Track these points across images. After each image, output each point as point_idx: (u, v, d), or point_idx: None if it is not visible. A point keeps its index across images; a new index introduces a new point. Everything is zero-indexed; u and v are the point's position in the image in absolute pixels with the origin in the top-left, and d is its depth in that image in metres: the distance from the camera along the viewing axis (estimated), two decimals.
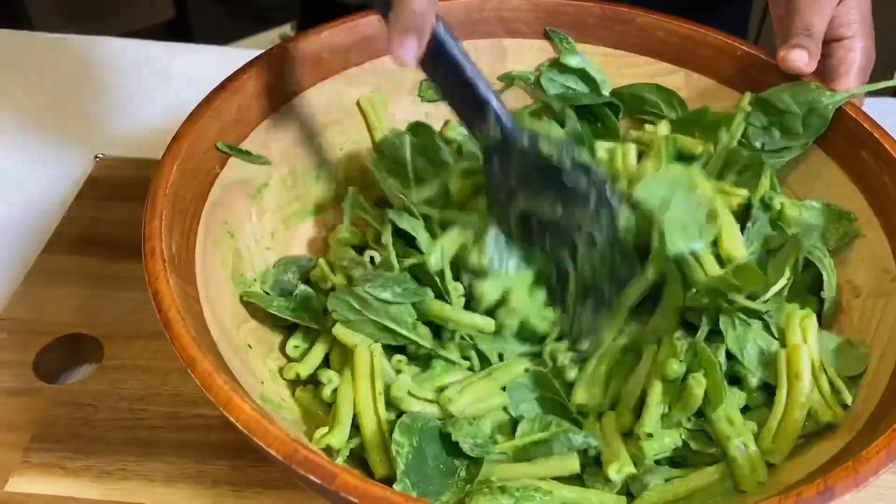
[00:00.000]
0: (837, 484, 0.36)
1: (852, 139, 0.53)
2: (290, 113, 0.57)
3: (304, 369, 0.50)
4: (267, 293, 0.53)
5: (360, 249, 0.55)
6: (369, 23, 0.59)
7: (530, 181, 0.49)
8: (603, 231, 0.48)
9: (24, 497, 0.50)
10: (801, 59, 0.55)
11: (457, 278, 0.51)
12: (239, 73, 0.54)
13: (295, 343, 0.51)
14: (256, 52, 0.57)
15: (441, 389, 0.48)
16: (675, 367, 0.46)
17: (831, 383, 0.46)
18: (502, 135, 0.48)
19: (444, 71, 0.47)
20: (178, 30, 2.05)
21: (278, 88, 0.56)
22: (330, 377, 0.48)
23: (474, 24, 0.61)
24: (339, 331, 0.49)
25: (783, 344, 0.48)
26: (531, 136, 0.48)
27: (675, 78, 0.61)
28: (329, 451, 0.45)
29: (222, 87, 0.53)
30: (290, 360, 0.52)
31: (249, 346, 0.48)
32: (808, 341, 0.47)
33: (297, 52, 0.56)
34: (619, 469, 0.45)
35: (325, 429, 0.46)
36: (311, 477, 0.35)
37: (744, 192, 0.53)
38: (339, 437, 0.45)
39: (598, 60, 0.63)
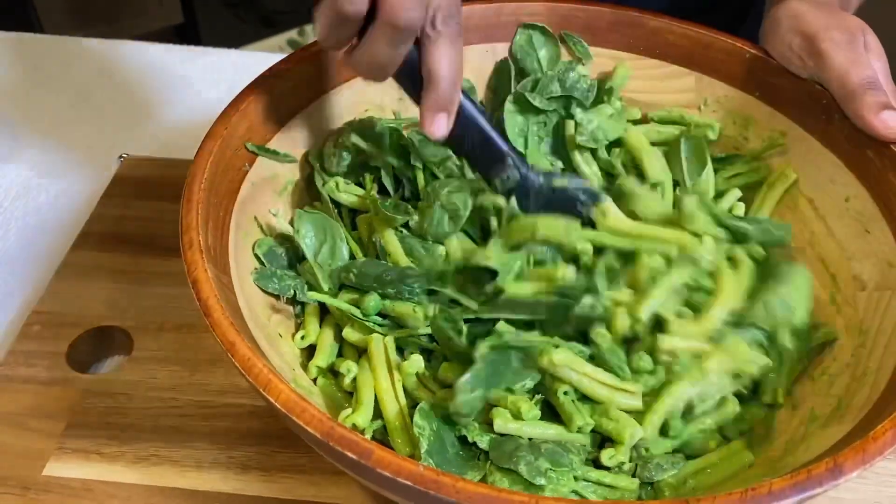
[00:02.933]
0: (846, 462, 0.38)
1: (857, 139, 0.55)
2: (316, 112, 0.59)
3: (322, 359, 0.52)
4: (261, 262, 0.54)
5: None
6: None
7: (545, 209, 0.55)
8: None
9: (61, 480, 0.52)
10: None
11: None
12: (266, 74, 0.56)
13: (301, 334, 0.53)
14: (276, 56, 0.59)
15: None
16: None
17: None
18: (521, 179, 0.54)
19: (463, 130, 0.51)
20: (186, 34, 2.07)
21: (304, 89, 0.58)
22: (349, 367, 0.50)
23: (492, 29, 0.63)
24: (348, 333, 0.52)
25: None
26: (545, 176, 0.54)
27: (686, 80, 0.63)
28: (354, 430, 0.47)
29: (251, 87, 0.55)
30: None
31: (280, 334, 0.51)
32: None
33: (322, 53, 0.58)
34: (611, 456, 0.46)
35: (349, 410, 0.48)
36: (348, 453, 0.37)
37: None
38: (363, 416, 0.47)
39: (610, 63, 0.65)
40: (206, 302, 0.42)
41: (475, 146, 0.52)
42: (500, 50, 0.64)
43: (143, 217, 0.69)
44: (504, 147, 0.53)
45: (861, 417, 0.44)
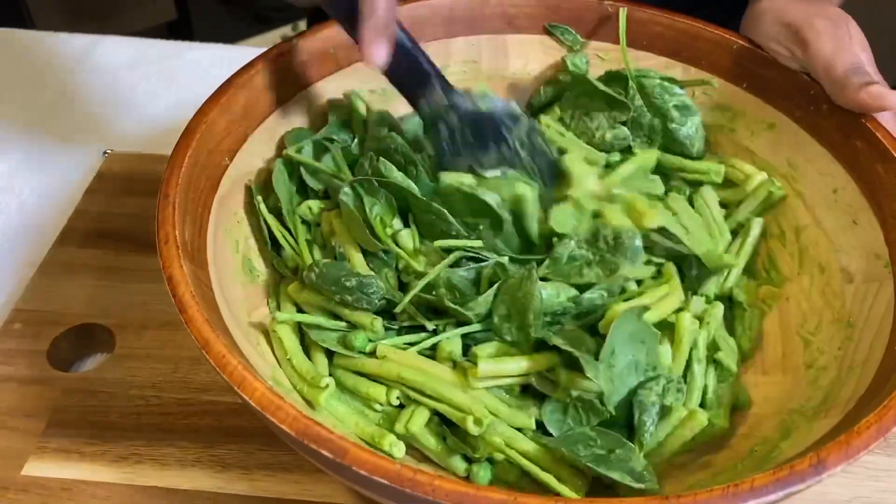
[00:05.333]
0: (829, 457, 0.37)
1: (846, 129, 0.54)
2: (297, 107, 0.58)
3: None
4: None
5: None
6: None
7: (472, 133, 0.55)
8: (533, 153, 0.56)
9: (41, 480, 0.51)
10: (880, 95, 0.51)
11: None
12: (247, 67, 0.56)
13: None
14: (262, 50, 0.58)
15: None
16: None
17: None
18: (448, 99, 0.54)
19: (395, 59, 0.51)
20: (179, 30, 2.06)
21: (285, 83, 0.57)
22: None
23: (478, 21, 0.63)
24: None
25: None
26: (471, 98, 0.55)
27: (673, 72, 0.63)
28: None
29: (231, 81, 0.55)
30: None
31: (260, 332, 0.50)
32: None
33: (303, 47, 0.58)
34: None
35: None
36: (324, 452, 0.36)
37: None
38: None
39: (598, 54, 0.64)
40: (181, 298, 0.42)
41: (402, 69, 0.53)
42: (484, 41, 0.63)
43: (126, 213, 0.68)
44: (429, 70, 0.53)
45: (847, 411, 0.44)
